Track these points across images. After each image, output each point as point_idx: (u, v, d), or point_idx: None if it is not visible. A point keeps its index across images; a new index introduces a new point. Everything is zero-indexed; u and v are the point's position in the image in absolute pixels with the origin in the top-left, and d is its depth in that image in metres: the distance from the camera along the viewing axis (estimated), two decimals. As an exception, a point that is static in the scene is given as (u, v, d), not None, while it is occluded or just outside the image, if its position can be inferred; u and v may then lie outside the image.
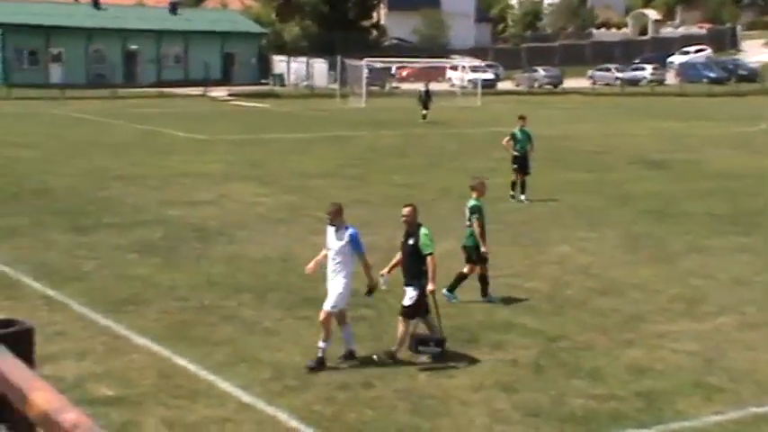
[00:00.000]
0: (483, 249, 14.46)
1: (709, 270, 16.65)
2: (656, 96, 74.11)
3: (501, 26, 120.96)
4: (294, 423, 9.67)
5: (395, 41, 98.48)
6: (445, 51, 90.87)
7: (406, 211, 12.21)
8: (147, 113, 51.18)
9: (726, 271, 16.55)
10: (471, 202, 14.70)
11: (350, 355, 11.53)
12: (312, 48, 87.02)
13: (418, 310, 11.72)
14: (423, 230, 11.90)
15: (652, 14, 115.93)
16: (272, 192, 24.65)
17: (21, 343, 1.67)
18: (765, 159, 33.70)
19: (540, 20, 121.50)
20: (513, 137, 24.29)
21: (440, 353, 11.64)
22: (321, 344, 11.24)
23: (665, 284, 15.59)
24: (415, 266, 11.81)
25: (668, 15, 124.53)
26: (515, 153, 24.11)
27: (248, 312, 13.56)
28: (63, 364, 11.18)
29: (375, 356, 11.63)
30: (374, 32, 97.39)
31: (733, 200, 24.47)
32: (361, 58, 64.81)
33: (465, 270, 14.65)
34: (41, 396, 1.45)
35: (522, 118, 24.90)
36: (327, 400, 10.31)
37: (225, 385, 10.75)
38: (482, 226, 14.57)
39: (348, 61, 67.19)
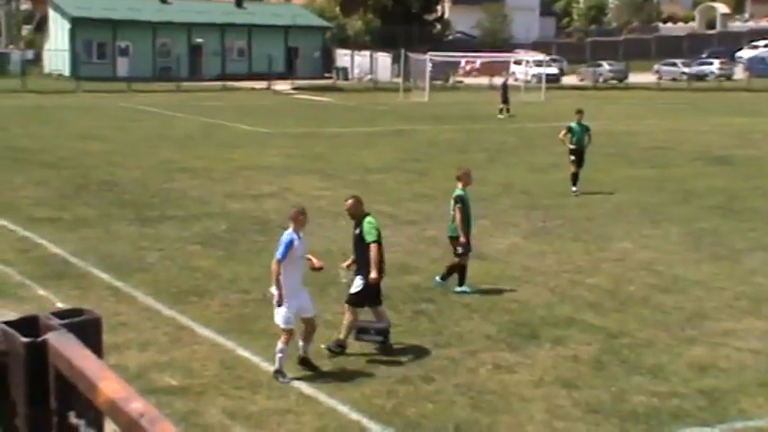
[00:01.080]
0: (462, 240, 14.45)
1: (775, 268, 16.40)
2: (722, 92, 72.99)
3: (565, 20, 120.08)
4: (355, 416, 9.74)
5: (458, 35, 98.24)
6: (508, 46, 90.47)
7: (347, 203, 12.23)
8: (212, 107, 51.67)
9: (792, 269, 16.29)
10: (456, 192, 14.69)
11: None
12: (375, 41, 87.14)
13: (365, 298, 11.62)
14: (367, 219, 11.85)
15: (720, 8, 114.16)
16: (334, 185, 24.76)
17: (89, 332, 1.72)
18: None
19: (605, 14, 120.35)
20: (570, 130, 24.42)
21: (382, 341, 11.66)
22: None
23: (729, 282, 15.39)
24: (362, 256, 11.73)
25: (737, 9, 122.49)
26: (572, 146, 24.24)
27: (309, 305, 13.65)
28: (127, 353, 11.37)
29: (323, 345, 11.61)
30: (437, 26, 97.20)
31: (800, 197, 24.03)
32: (425, 52, 64.77)
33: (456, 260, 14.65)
34: (109, 385, 1.50)
35: (579, 112, 24.90)
36: (388, 393, 10.35)
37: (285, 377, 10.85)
38: (465, 216, 14.52)
39: (411, 55, 67.18)
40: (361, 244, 11.83)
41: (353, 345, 11.92)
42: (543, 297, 14.38)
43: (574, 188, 24.06)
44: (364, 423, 9.58)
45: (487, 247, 17.83)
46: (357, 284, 11.76)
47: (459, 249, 14.59)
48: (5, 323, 1.65)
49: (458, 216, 14.54)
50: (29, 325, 1.67)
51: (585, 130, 24.46)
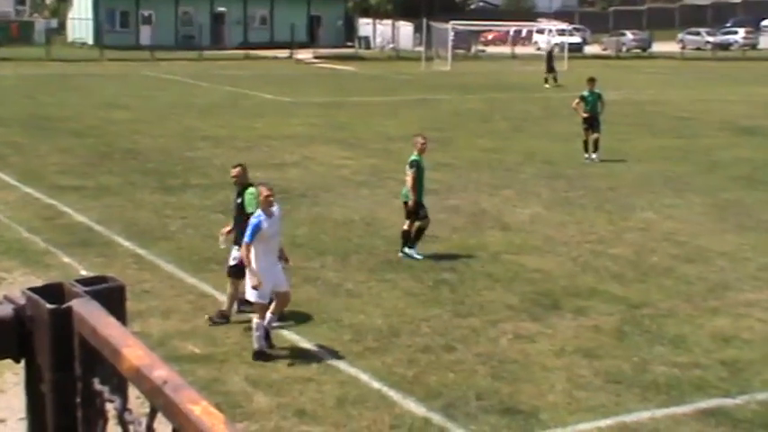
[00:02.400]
0: (411, 201, 14.45)
1: (800, 239, 16.30)
2: (747, 61, 72.32)
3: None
4: (376, 384, 9.78)
5: (480, 4, 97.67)
6: (531, 15, 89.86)
7: (234, 171, 12.15)
8: (234, 75, 51.66)
9: (817, 240, 16.19)
10: (411, 157, 14.71)
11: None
12: (397, 10, 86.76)
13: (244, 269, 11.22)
14: (249, 190, 11.62)
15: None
16: (356, 155, 24.76)
17: (113, 300, 1.73)
18: None
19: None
20: (583, 99, 24.75)
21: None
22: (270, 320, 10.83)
23: (754, 253, 15.31)
24: (241, 226, 11.33)
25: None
26: (585, 114, 24.60)
27: (331, 274, 13.70)
28: (150, 321, 11.45)
29: (206, 316, 11.59)
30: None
31: (826, 168, 23.84)
32: (447, 21, 64.43)
33: (418, 224, 14.64)
34: (133, 352, 1.50)
35: (591, 80, 25.25)
36: (409, 362, 10.38)
37: (307, 345, 10.91)
38: (417, 181, 14.51)
39: (434, 24, 66.84)
40: (240, 213, 11.65)
41: (373, 313, 11.95)
42: (565, 267, 14.36)
43: (586, 155, 24.37)
44: (385, 391, 9.62)
45: (510, 216, 17.81)
46: (234, 256, 11.58)
47: (419, 211, 14.65)
48: (31, 290, 1.67)
49: (410, 180, 14.57)
50: (54, 292, 1.68)
51: (598, 97, 24.73)
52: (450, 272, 13.93)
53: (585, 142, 24.53)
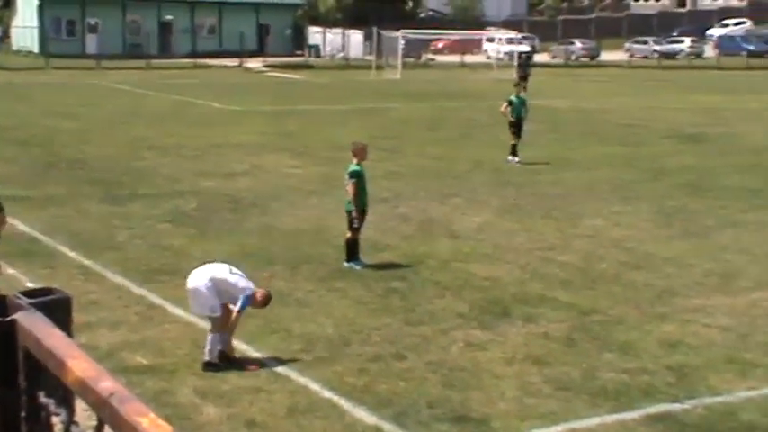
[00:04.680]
0: (354, 214, 14.47)
1: (744, 245, 16.53)
2: (693, 70, 73.30)
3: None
4: (327, 393, 9.75)
5: (430, 13, 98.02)
6: (480, 23, 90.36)
7: None
8: (183, 84, 51.35)
9: (761, 246, 16.42)
10: (351, 167, 14.64)
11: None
12: (347, 19, 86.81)
13: None
14: None
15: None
16: (306, 163, 24.72)
17: (59, 312, 1.71)
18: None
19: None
20: (510, 103, 25.42)
21: None
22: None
23: (699, 259, 15.50)
24: None
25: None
26: (512, 119, 25.29)
27: (281, 284, 13.64)
28: (98, 332, 11.31)
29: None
30: (409, 4, 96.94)
31: (770, 174, 24.23)
32: (396, 30, 64.60)
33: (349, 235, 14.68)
34: (79, 364, 1.48)
35: (517, 85, 26.34)
36: (359, 371, 10.36)
37: (257, 355, 10.84)
38: (358, 191, 14.48)
39: (384, 33, 67.00)
40: None
41: (324, 322, 11.93)
42: (515, 275, 14.44)
43: (510, 158, 25.08)
44: (336, 400, 9.59)
45: (459, 224, 17.87)
46: None
47: (355, 223, 14.59)
48: (-27, 303, 1.63)
49: (351, 191, 14.51)
50: (-3, 304, 1.65)
51: (522, 103, 25.43)
52: (400, 280, 13.94)
53: (513, 146, 25.20)
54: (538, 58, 78.95)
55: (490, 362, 10.70)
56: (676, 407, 9.50)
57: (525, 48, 75.00)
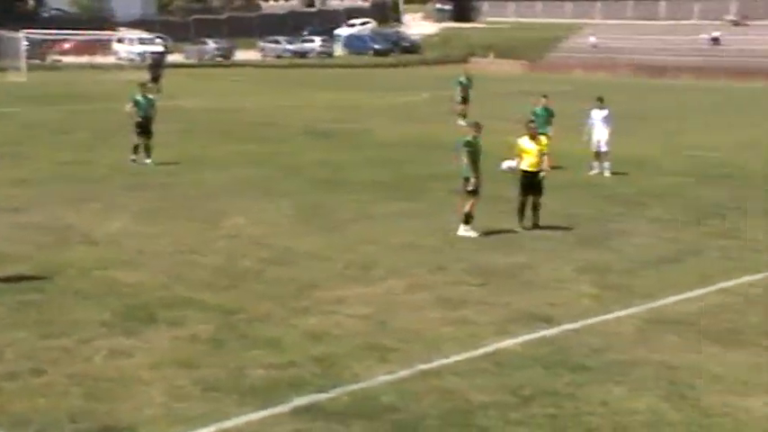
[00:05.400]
0: None
1: (378, 235, 17.27)
2: (324, 68, 75.79)
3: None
4: (-42, 419, 9.07)
5: (54, 12, 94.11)
6: (109, 23, 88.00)
7: None
8: None
9: (393, 236, 17.23)
10: None
11: None
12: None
13: None
14: None
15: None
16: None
17: None
18: (428, 128, 35.37)
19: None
20: (137, 103, 25.47)
21: None
22: None
23: (338, 252, 16.00)
24: None
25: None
26: (139, 119, 25.32)
27: None
28: None
29: None
30: (30, 2, 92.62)
31: (398, 167, 25.51)
32: (18, 30, 61.57)
33: None
34: None
35: (143, 85, 26.61)
36: (-6, 392, 9.73)
37: None
38: None
39: (4, 33, 63.58)
40: None
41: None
42: (158, 279, 14.18)
43: (133, 157, 25.07)
44: (-31, 426, 8.95)
45: (99, 230, 17.31)
46: None
47: None
48: None
49: None
50: None
51: (150, 103, 25.70)
52: (36, 292, 13.25)
53: (136, 146, 25.13)
54: (171, 58, 78.23)
55: (136, 369, 10.43)
56: (322, 396, 9.72)
57: (157, 48, 74.14)
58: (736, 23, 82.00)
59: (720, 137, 33.97)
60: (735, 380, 10.36)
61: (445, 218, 18.37)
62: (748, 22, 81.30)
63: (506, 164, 17.84)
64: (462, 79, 37.40)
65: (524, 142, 17.81)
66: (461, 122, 34.08)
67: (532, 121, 18.32)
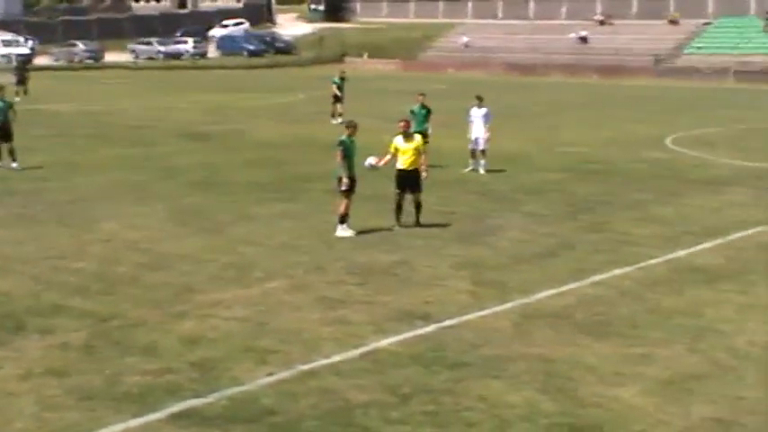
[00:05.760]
0: None
1: (257, 237, 17.12)
2: (198, 70, 74.94)
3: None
4: None
5: None
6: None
7: None
8: None
9: (272, 237, 17.11)
10: None
11: None
12: None
13: None
14: None
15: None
16: None
17: None
18: (304, 128, 35.29)
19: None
20: None
21: None
22: None
23: (215, 254, 15.80)
24: None
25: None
26: None
27: None
28: None
29: None
30: None
31: (276, 168, 25.36)
32: None
33: None
34: None
35: (1, 89, 25.46)
36: None
37: None
38: None
39: None
40: None
41: None
42: (27, 286, 13.77)
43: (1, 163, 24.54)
44: None
45: (-37, 238, 16.71)
46: None
47: None
48: None
49: None
50: None
51: (9, 106, 25.07)
52: None
53: None
54: (38, 60, 76.25)
55: (5, 380, 10.09)
56: (200, 401, 9.57)
57: (23, 50, 72.19)
58: (602, 23, 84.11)
59: (591, 133, 34.80)
60: (607, 371, 10.60)
61: (323, 218, 18.33)
62: (613, 21, 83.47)
63: (368, 161, 17.88)
64: (336, 79, 37.55)
65: (399, 141, 17.91)
66: (334, 122, 34.37)
67: (405, 120, 18.40)
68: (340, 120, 33.03)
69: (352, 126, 17.47)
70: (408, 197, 17.94)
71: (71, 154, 27.55)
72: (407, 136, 17.95)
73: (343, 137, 17.27)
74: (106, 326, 11.99)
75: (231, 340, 11.50)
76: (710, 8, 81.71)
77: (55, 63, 77.69)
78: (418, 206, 18.00)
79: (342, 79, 37.56)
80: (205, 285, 13.95)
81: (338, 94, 37.02)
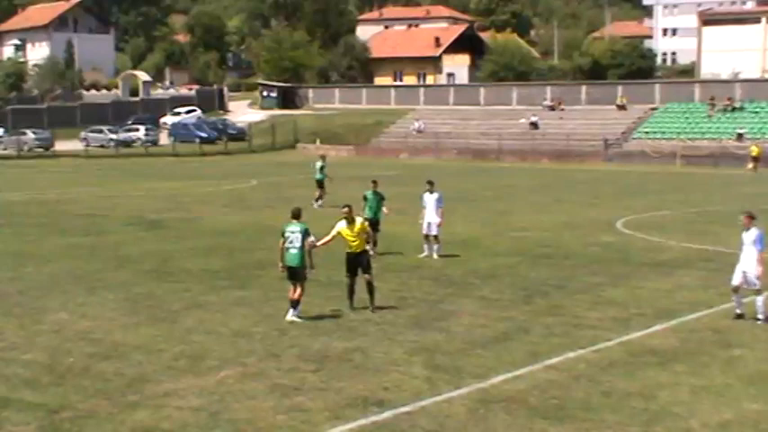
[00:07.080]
0: None
1: (210, 325, 16.98)
2: (150, 157, 74.91)
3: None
4: None
5: None
6: None
7: None
8: None
9: (226, 325, 16.98)
10: None
11: None
12: None
13: None
14: None
15: (142, 76, 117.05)
16: None
17: None
18: (257, 215, 35.27)
19: (25, 81, 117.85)
20: None
21: None
22: None
23: (168, 343, 15.63)
24: None
25: (158, 77, 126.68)
26: None
27: None
28: None
29: None
30: None
31: (229, 255, 25.26)
32: None
33: None
34: None
35: None
36: None
37: None
38: None
39: None
40: None
41: None
42: (-25, 379, 13.50)
43: None
44: None
45: None
46: None
47: None
48: None
49: None
50: None
51: None
52: None
53: None
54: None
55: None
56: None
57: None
58: (552, 108, 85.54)
59: (543, 217, 35.12)
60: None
61: (277, 305, 18.25)
62: (563, 107, 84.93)
63: (309, 239, 17.93)
64: (318, 164, 39.00)
65: (342, 225, 18.18)
66: (315, 205, 35.57)
67: (347, 206, 18.54)
68: (320, 202, 36.50)
69: (296, 213, 17.71)
70: (360, 280, 17.99)
71: (21, 244, 27.28)
72: (350, 221, 18.19)
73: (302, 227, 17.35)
74: (57, 417, 11.77)
75: (185, 430, 11.33)
76: (657, 94, 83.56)
77: (3, 152, 77.19)
78: (371, 289, 18.04)
79: (322, 167, 38.67)
80: (158, 375, 13.77)
81: (318, 178, 38.77)
